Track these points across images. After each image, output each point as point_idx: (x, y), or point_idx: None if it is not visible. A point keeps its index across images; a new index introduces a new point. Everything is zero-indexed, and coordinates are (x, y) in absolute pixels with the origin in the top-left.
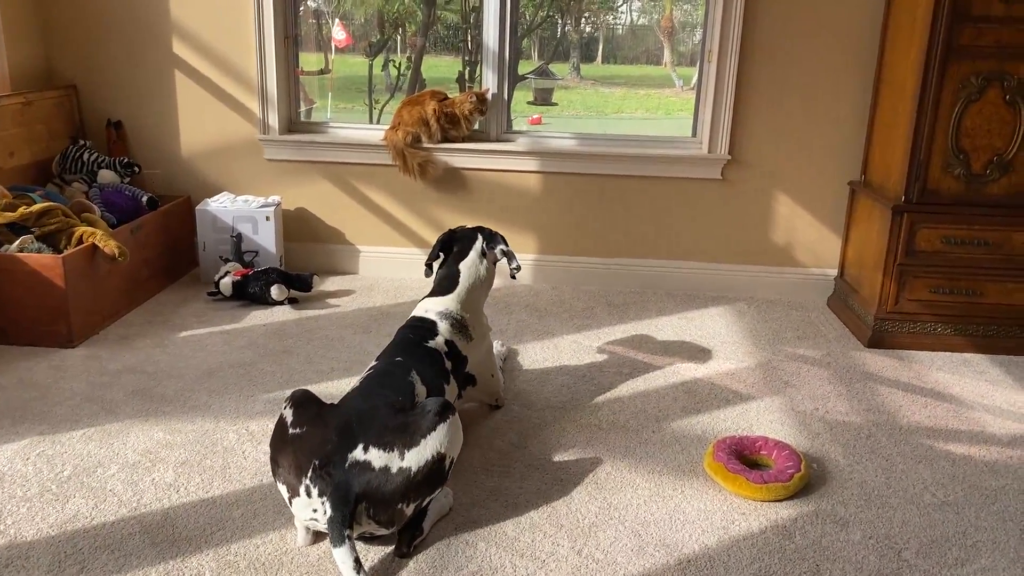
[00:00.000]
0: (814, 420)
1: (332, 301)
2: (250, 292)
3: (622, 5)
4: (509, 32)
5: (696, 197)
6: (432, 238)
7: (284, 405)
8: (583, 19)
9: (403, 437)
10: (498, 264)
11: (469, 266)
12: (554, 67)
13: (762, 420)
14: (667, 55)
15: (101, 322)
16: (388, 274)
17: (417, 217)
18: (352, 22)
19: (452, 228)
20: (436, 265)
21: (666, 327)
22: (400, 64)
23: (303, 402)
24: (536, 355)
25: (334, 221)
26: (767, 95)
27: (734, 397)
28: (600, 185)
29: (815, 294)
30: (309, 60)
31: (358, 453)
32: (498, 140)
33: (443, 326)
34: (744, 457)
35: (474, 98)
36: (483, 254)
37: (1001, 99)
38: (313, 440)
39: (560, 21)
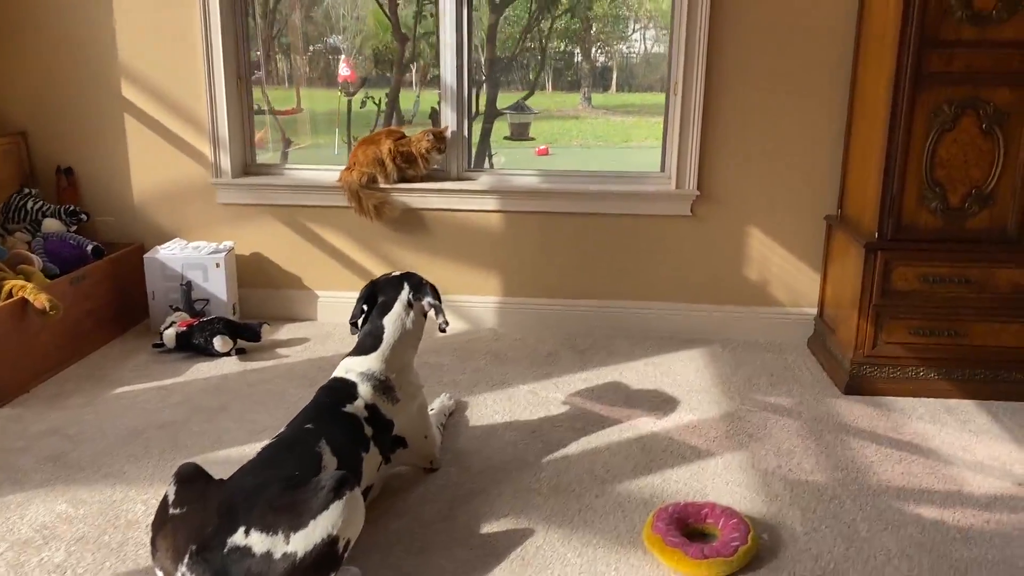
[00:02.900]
0: (775, 479)
1: (282, 351)
2: (195, 343)
3: (634, 34)
4: (467, 68)
5: (666, 234)
6: None
7: (170, 480)
8: (595, 48)
9: (289, 518)
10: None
11: (394, 320)
12: (565, 97)
13: (718, 481)
14: None
15: (33, 379)
16: (347, 320)
17: (377, 260)
18: (360, 56)
19: (375, 278)
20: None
21: (632, 374)
22: (380, 101)
23: (189, 478)
24: (487, 408)
25: (290, 266)
26: (735, 127)
27: (691, 454)
28: (566, 224)
29: (794, 334)
30: (289, 98)
31: (238, 537)
32: (459, 179)
33: (364, 388)
34: (688, 526)
35: (431, 136)
36: (409, 305)
37: (977, 127)
38: (193, 522)
39: (577, 52)
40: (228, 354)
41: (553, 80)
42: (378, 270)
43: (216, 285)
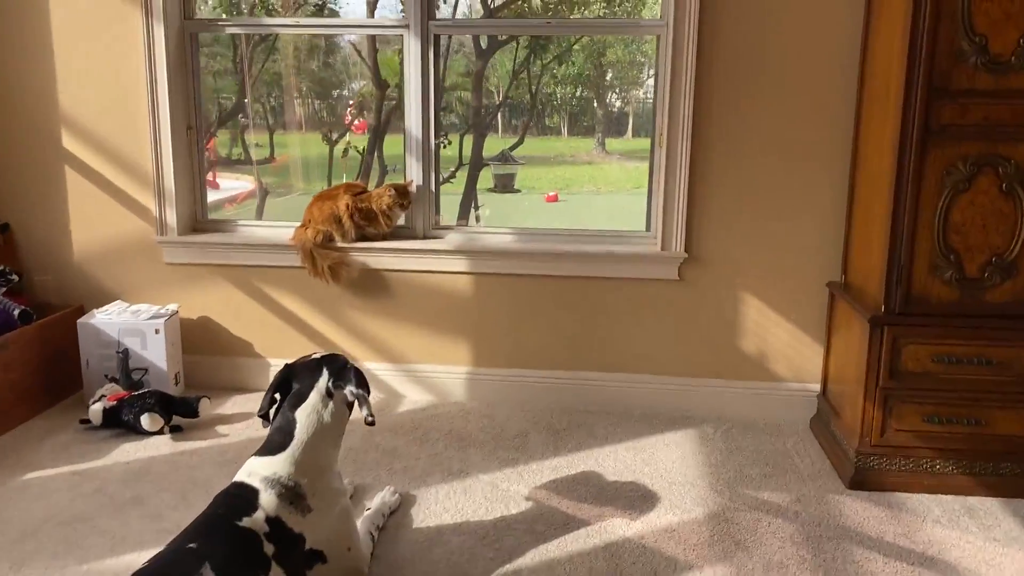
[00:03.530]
0: None
1: (222, 429)
2: (124, 420)
3: (649, 80)
4: (433, 118)
5: (651, 300)
6: (353, 348)
7: None
8: (612, 94)
9: None
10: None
11: (308, 412)
12: (580, 142)
13: None
14: None
15: None
16: None
17: (335, 325)
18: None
19: (291, 362)
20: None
21: (609, 461)
22: (364, 149)
23: None
24: (437, 504)
25: (241, 331)
26: (726, 183)
27: (666, 567)
28: (543, 287)
29: (795, 413)
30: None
31: None
32: (425, 237)
33: (267, 497)
34: None
35: (392, 192)
36: (328, 394)
37: (996, 188)
38: None
39: (593, 97)
40: (160, 432)
41: (569, 126)
42: (335, 336)
43: (155, 353)
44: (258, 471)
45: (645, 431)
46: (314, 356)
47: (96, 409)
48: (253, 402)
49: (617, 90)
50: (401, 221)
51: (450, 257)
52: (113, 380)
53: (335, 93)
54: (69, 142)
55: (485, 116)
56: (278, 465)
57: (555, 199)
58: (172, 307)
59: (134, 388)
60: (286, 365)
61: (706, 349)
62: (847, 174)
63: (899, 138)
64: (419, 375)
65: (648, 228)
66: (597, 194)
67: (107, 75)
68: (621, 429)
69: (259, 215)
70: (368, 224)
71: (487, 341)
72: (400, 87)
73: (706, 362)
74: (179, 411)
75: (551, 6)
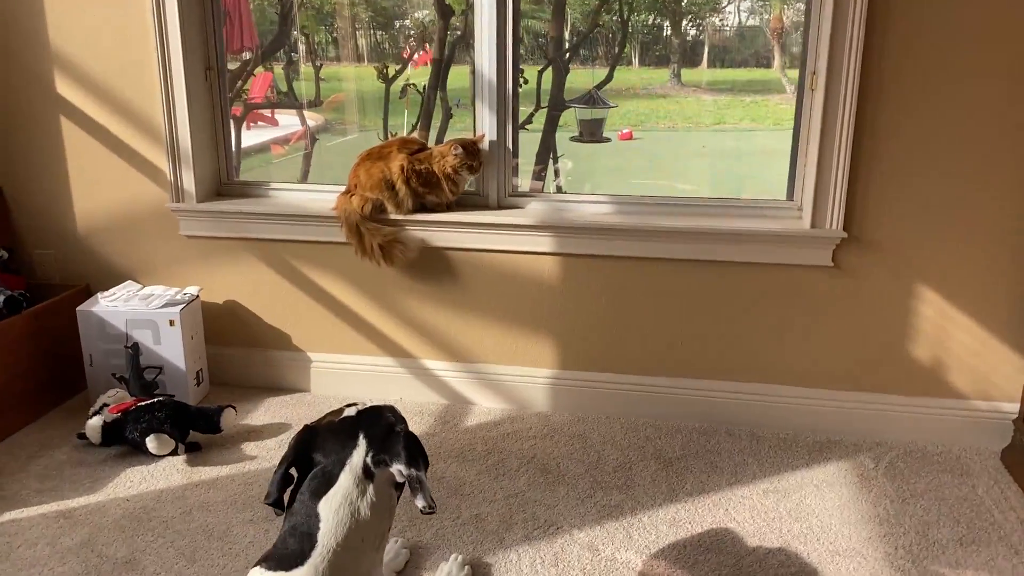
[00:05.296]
0: None
1: (250, 447)
2: (128, 438)
3: (728, 5)
4: (511, 54)
5: (795, 292)
6: (410, 344)
7: None
8: (686, 21)
9: None
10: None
11: (338, 505)
12: (652, 73)
13: None
14: (777, 58)
15: None
16: (348, 392)
17: (389, 315)
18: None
19: (313, 422)
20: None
21: (743, 512)
22: (425, 87)
23: None
24: None
25: (276, 320)
26: (905, 142)
27: None
28: (650, 273)
29: (979, 441)
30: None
31: None
32: (500, 207)
33: None
34: None
35: (459, 150)
36: (367, 475)
37: None
38: None
39: (666, 24)
40: (174, 453)
41: (640, 55)
42: (391, 329)
43: (171, 348)
44: None
45: (784, 464)
46: (347, 413)
47: (94, 424)
48: (289, 407)
49: (691, 17)
50: (470, 186)
51: (532, 233)
52: (122, 379)
53: (396, 24)
54: (64, 87)
55: (568, 47)
56: None
57: (629, 137)
58: (192, 290)
59: (147, 391)
60: (306, 427)
61: (864, 355)
62: None
63: None
64: (491, 378)
65: (791, 197)
66: (674, 130)
67: (105, 2)
68: (752, 460)
69: (304, 175)
70: (428, 191)
71: (577, 339)
72: (466, 15)
73: (863, 372)
74: (197, 425)
75: None
